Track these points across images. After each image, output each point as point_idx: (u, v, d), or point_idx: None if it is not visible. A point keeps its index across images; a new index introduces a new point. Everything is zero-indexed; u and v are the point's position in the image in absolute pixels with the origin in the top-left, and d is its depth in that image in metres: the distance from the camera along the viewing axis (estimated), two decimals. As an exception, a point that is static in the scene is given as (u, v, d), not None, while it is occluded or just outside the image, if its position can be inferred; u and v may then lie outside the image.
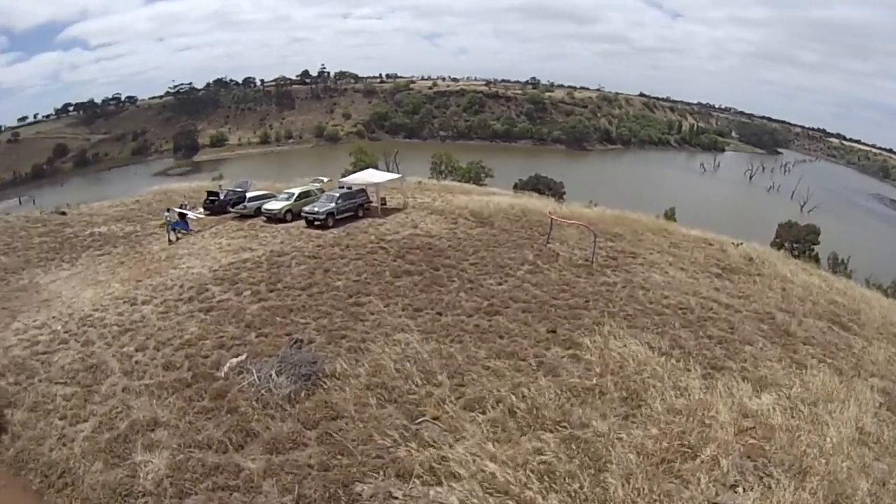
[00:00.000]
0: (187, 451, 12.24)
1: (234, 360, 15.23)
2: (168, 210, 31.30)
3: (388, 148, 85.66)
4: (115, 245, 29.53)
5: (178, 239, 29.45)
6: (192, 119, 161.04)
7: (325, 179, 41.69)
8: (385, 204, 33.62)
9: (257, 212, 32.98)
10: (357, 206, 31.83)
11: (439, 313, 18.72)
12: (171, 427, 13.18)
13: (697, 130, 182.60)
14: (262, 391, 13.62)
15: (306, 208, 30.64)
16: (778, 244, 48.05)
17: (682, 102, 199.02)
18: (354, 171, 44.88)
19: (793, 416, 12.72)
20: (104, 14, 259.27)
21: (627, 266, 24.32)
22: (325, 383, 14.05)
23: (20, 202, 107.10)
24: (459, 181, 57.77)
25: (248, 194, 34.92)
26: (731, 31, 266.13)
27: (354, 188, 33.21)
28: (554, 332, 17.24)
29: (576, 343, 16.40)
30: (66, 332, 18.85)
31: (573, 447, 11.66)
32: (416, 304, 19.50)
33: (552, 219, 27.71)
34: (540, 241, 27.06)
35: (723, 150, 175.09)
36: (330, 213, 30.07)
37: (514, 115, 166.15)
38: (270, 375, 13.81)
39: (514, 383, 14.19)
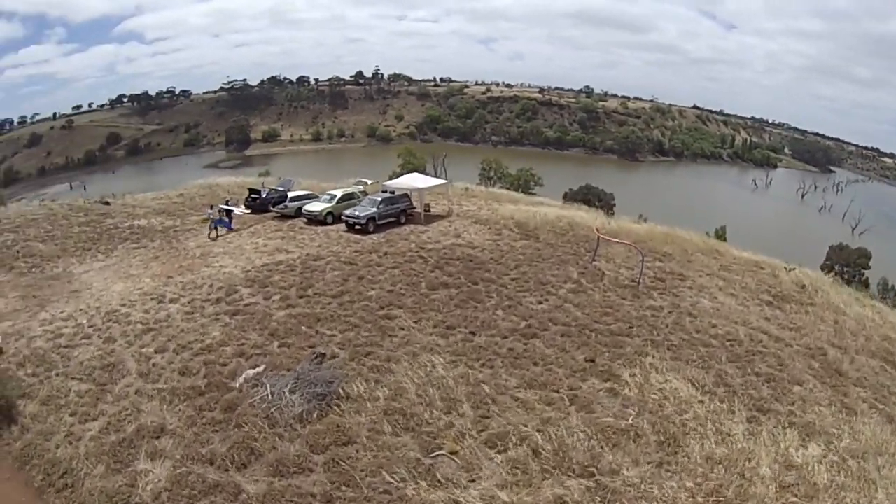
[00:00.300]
0: (189, 464, 11.87)
1: (251, 372, 14.84)
2: (212, 207, 31.39)
3: (438, 151, 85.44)
4: (153, 239, 29.80)
5: (217, 237, 29.43)
6: (245, 114, 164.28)
7: (369, 182, 41.36)
8: (429, 210, 33.04)
9: (298, 212, 32.79)
10: (399, 212, 31.24)
11: (473, 332, 17.95)
12: (177, 436, 12.86)
13: (750, 145, 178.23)
14: (273, 409, 13.12)
15: (347, 212, 30.24)
16: (828, 267, 45.65)
17: (735, 116, 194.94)
18: (402, 174, 44.54)
19: (839, 472, 11.79)
20: (160, 9, 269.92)
21: (675, 289, 23.02)
22: (340, 405, 13.49)
23: (71, 187, 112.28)
24: (508, 188, 56.87)
25: (290, 194, 34.81)
26: (787, 43, 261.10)
27: (398, 192, 32.65)
28: (592, 361, 16.25)
29: (614, 375, 15.42)
30: (90, 327, 18.92)
31: (598, 497, 10.80)
32: (450, 320, 18.79)
33: (599, 236, 26.63)
34: (586, 257, 26.01)
35: (775, 167, 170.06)
36: (371, 218, 29.55)
37: (566, 123, 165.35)
38: (284, 392, 13.28)
39: (543, 419, 13.33)
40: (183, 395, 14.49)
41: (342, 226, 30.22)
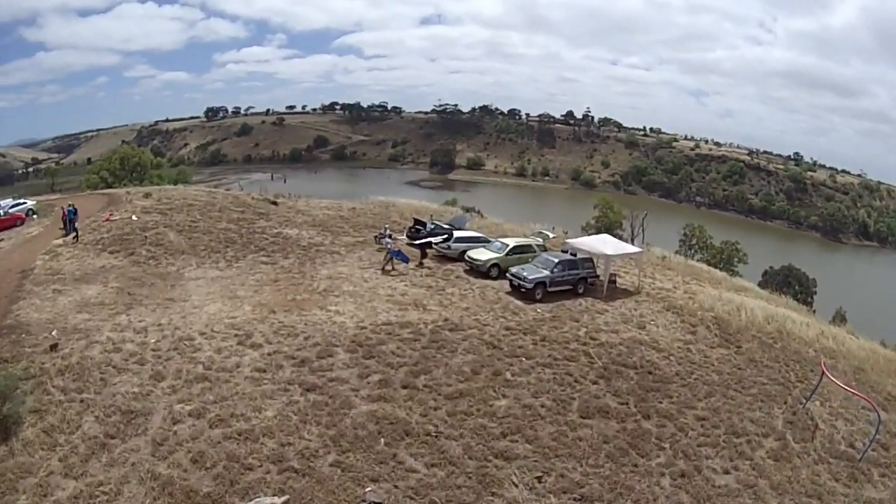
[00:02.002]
0: None
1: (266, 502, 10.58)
2: (390, 236, 28.75)
3: (639, 205, 79.74)
4: (287, 255, 27.78)
5: (391, 269, 26.76)
6: (452, 139, 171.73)
7: (552, 235, 36.34)
8: (614, 282, 27.79)
9: (461, 256, 29.03)
10: (578, 280, 26.43)
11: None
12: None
13: None
14: None
15: (514, 269, 25.76)
16: None
17: None
18: (595, 227, 38.64)
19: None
20: (379, 28, 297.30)
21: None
22: None
23: (272, 178, 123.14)
24: (709, 262, 53.67)
25: (456, 233, 31.10)
26: None
27: (580, 255, 27.47)
28: None
29: None
30: (152, 350, 17.07)
31: None
32: (589, 486, 13.38)
33: (823, 372, 19.12)
34: (796, 389, 19.40)
35: None
36: (540, 283, 24.98)
37: (772, 192, 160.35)
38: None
39: None
40: (175, 496, 11.44)
41: (506, 284, 25.76)
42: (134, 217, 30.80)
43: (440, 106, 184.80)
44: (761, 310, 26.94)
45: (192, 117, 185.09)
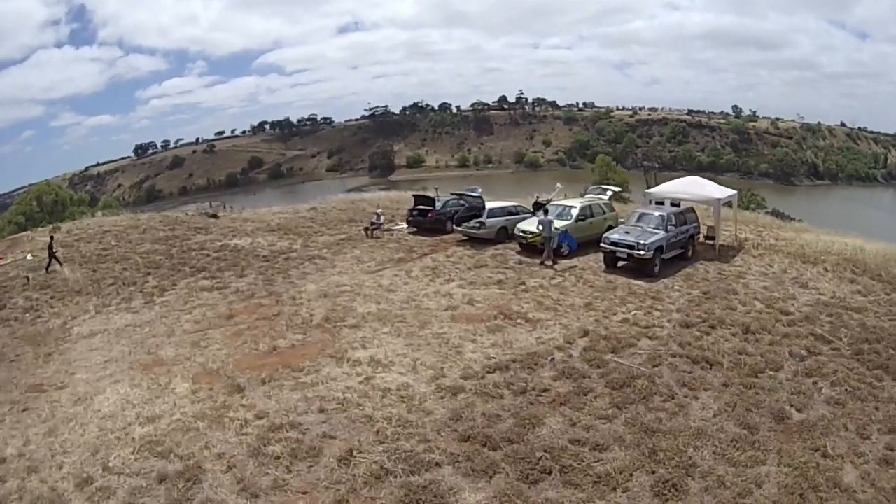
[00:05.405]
0: None
1: None
2: (380, 226, 20.80)
3: (590, 179, 72.53)
4: (244, 273, 16.64)
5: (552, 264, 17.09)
6: (389, 140, 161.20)
7: (617, 188, 25.56)
8: (713, 238, 19.71)
9: (499, 235, 20.00)
10: (689, 238, 18.37)
11: None
12: None
13: None
14: None
15: (614, 236, 16.85)
16: None
17: (881, 133, 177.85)
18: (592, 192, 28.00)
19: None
20: (297, 44, 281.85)
21: None
22: None
23: (210, 205, 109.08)
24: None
25: (489, 205, 20.67)
26: None
27: (683, 206, 18.72)
28: None
29: None
30: None
31: None
32: None
33: None
34: None
35: None
36: (658, 249, 16.30)
37: (718, 147, 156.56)
38: None
39: None
40: None
41: (596, 258, 17.40)
42: (29, 256, 20.24)
43: (370, 109, 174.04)
44: (850, 243, 20.37)
45: (123, 157, 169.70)
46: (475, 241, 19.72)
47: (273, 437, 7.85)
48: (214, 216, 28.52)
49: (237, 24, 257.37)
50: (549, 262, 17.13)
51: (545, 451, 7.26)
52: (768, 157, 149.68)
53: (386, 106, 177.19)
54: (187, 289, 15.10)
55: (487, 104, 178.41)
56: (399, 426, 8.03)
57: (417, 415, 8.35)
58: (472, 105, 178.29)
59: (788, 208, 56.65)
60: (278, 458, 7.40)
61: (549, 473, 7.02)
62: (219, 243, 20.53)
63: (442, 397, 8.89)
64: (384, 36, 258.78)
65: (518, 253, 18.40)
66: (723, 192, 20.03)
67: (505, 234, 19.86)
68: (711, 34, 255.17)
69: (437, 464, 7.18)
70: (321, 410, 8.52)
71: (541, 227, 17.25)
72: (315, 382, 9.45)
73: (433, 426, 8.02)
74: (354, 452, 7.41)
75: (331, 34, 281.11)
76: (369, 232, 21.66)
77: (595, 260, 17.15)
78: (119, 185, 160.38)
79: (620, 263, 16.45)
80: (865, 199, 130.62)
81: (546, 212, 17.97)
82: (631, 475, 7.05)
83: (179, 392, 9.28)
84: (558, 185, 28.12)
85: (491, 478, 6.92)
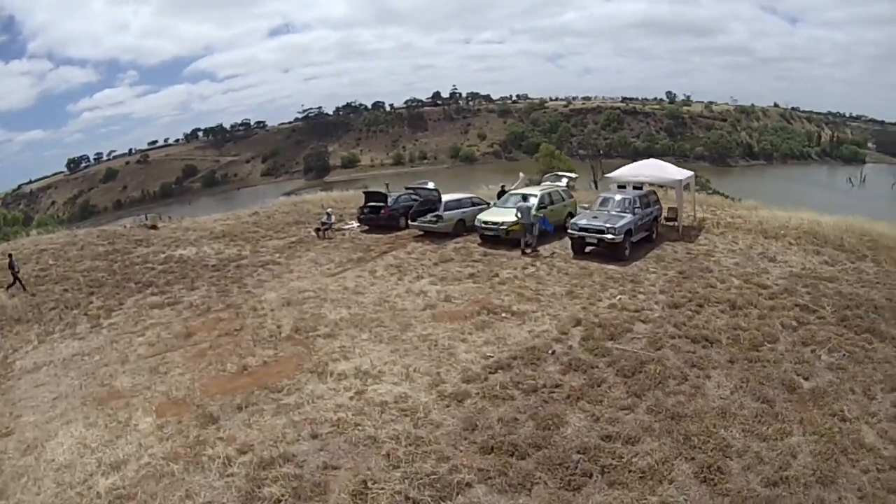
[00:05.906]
0: None
1: None
2: (332, 226, 20.55)
3: (525, 169, 72.50)
4: (195, 285, 15.36)
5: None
6: (323, 142, 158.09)
7: (573, 175, 25.65)
8: (674, 218, 19.98)
9: (457, 228, 19.63)
10: (653, 220, 18.63)
11: None
12: None
13: (837, 142, 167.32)
14: None
15: (581, 221, 16.80)
16: None
17: (814, 113, 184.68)
18: (548, 178, 28.26)
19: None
20: (228, 49, 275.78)
21: None
22: None
23: (146, 218, 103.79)
24: None
25: (445, 197, 20.05)
26: (855, 32, 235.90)
27: (645, 189, 19.10)
28: None
29: None
30: None
31: None
32: None
33: None
34: None
35: (864, 162, 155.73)
36: (627, 232, 16.30)
37: (653, 132, 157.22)
38: None
39: None
40: None
41: (562, 246, 17.35)
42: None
43: (304, 111, 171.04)
44: (806, 218, 20.95)
45: (56, 173, 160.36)
46: (433, 236, 19.15)
47: (266, 476, 6.84)
48: (154, 227, 27.42)
49: (168, 30, 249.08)
50: (529, 250, 16.94)
51: (579, 453, 6.66)
52: (703, 140, 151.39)
53: (320, 107, 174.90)
54: (136, 307, 13.73)
55: (421, 101, 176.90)
56: (410, 445, 7.22)
57: (427, 429, 7.57)
58: (406, 102, 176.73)
59: (726, 189, 57.89)
60: (279, 501, 6.43)
61: (591, 476, 6.46)
62: (162, 255, 19.01)
63: (447, 406, 8.16)
64: (316, 37, 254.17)
65: (480, 245, 18.01)
66: (682, 173, 20.38)
67: (463, 227, 19.44)
68: (646, 22, 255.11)
69: (467, 484, 6.44)
70: (314, 436, 7.60)
71: (520, 215, 16.83)
72: (299, 403, 8.48)
73: (448, 440, 7.28)
74: (368, 483, 6.54)
75: (262, 37, 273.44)
76: (321, 233, 20.67)
77: (561, 247, 16.91)
78: (53, 203, 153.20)
79: (588, 249, 16.40)
80: (801, 177, 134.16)
81: (525, 198, 17.67)
82: (672, 465, 6.63)
83: (143, 428, 8.16)
84: (521, 174, 28.14)
85: (530, 490, 6.27)
